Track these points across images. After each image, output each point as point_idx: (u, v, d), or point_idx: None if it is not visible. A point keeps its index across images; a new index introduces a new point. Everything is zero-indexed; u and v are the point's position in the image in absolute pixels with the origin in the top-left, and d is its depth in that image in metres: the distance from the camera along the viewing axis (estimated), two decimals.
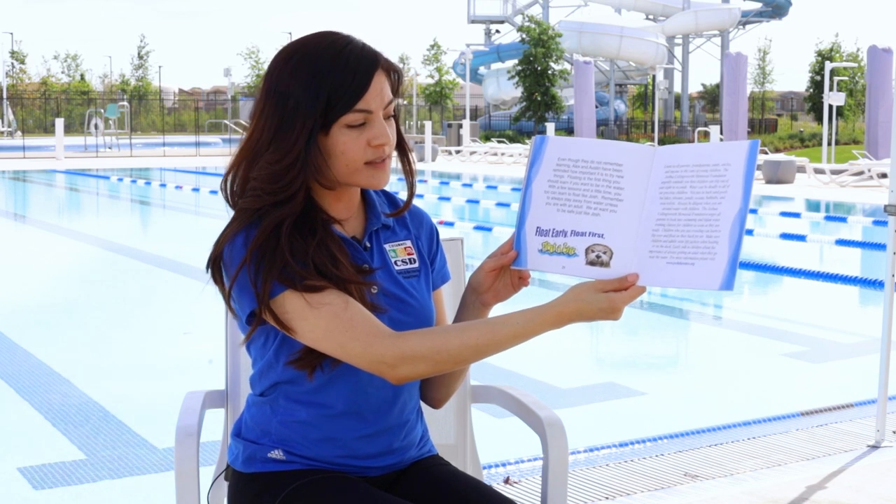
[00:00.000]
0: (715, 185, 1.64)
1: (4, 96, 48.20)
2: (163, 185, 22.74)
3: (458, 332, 1.74)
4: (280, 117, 1.76)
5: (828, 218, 15.66)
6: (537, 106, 45.17)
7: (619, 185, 1.70)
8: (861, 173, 21.62)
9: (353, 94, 1.75)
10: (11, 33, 71.07)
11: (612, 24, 51.36)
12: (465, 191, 20.84)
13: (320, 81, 1.74)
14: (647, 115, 59.14)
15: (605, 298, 1.67)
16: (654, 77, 47.44)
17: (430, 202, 17.25)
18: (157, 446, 4.61)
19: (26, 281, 9.54)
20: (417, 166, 1.94)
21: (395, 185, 1.99)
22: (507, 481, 3.86)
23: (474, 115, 51.52)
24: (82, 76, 60.81)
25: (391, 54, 1.82)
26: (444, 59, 58.70)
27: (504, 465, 4.06)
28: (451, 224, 13.32)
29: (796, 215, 15.12)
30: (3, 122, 43.84)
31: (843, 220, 15.03)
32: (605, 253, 1.69)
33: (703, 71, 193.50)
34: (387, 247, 1.91)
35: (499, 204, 16.74)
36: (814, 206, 17.48)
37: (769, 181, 21.99)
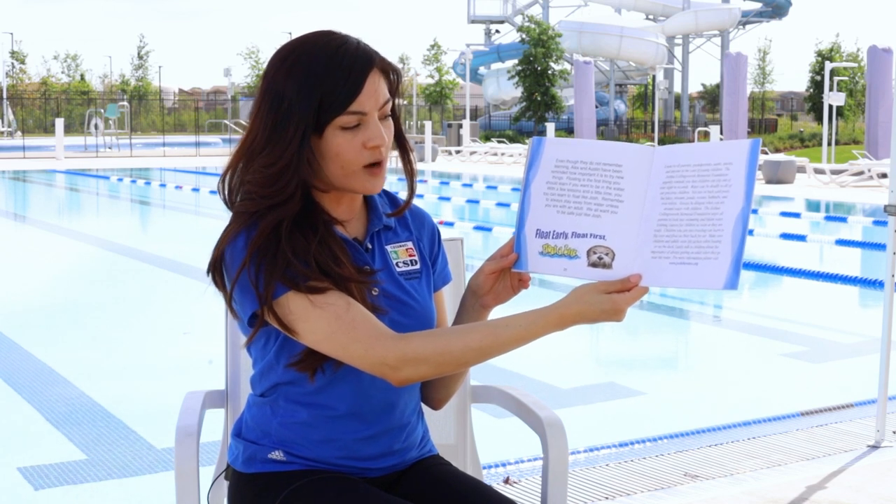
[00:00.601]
0: (717, 185, 1.64)
1: (4, 96, 48.20)
2: (163, 185, 22.74)
3: (461, 334, 1.73)
4: (275, 118, 1.75)
5: (828, 218, 15.66)
6: (537, 106, 45.17)
7: (619, 185, 1.69)
8: (861, 173, 21.62)
9: (346, 96, 1.74)
10: (11, 33, 71.20)
11: (612, 24, 51.36)
12: (465, 191, 20.84)
13: (314, 83, 1.73)
14: (647, 115, 59.14)
15: (608, 300, 1.67)
16: (654, 77, 47.47)
17: (430, 202, 17.24)
18: (157, 446, 4.61)
19: (26, 281, 9.54)
20: (417, 166, 1.93)
21: (395, 185, 1.98)
22: (507, 481, 3.86)
23: (474, 115, 51.52)
24: (82, 76, 60.81)
25: (391, 54, 1.82)
26: (444, 59, 58.78)
27: (504, 465, 4.06)
28: (451, 224, 13.32)
29: (796, 215, 15.12)
30: (3, 122, 43.84)
31: (843, 220, 15.03)
32: (606, 254, 1.69)
33: (703, 71, 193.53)
34: (388, 248, 1.91)
35: (499, 204, 16.74)
36: (814, 206, 17.48)
37: (769, 181, 21.99)
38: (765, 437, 4.46)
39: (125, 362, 6.32)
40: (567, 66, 47.48)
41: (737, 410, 5.11)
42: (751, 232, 12.40)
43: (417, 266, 1.93)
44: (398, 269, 1.90)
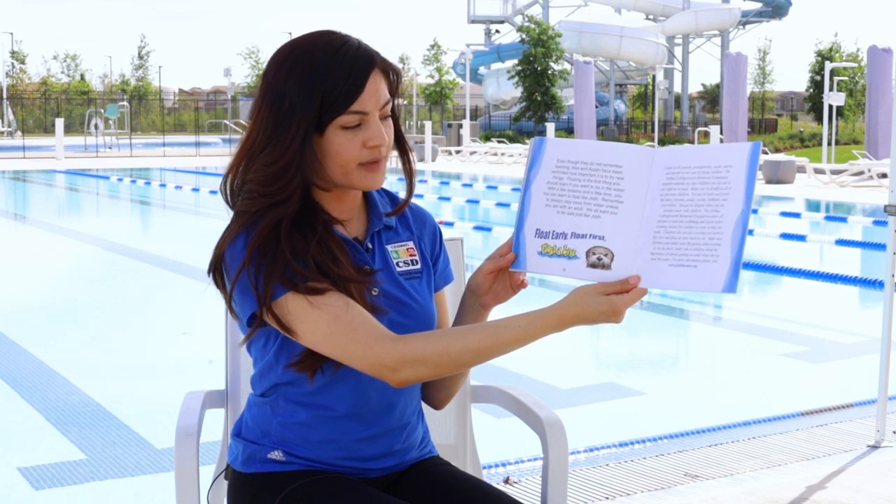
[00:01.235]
0: (717, 187, 1.64)
1: (4, 96, 48.20)
2: (163, 185, 22.74)
3: (460, 335, 1.73)
4: (276, 118, 1.76)
5: (828, 218, 15.66)
6: (537, 106, 45.17)
7: (620, 186, 1.69)
8: (861, 173, 21.62)
9: (347, 96, 1.74)
10: (11, 33, 71.17)
11: (612, 24, 51.36)
12: (465, 191, 20.84)
13: (315, 82, 1.74)
14: (647, 115, 59.14)
15: (607, 301, 1.66)
16: (654, 77, 47.49)
17: (430, 202, 17.24)
18: (157, 446, 4.61)
19: (26, 281, 9.54)
20: (417, 166, 1.93)
21: (396, 185, 1.98)
22: (507, 481, 3.86)
23: (474, 115, 51.52)
24: (82, 76, 60.81)
25: (391, 54, 1.82)
26: (444, 59, 58.77)
27: (504, 465, 4.06)
28: (451, 224, 13.32)
29: (796, 215, 15.12)
30: (3, 122, 43.84)
31: (843, 220, 15.03)
32: (605, 255, 1.69)
33: (703, 71, 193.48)
34: (389, 247, 1.91)
35: (499, 204, 16.74)
36: (814, 206, 17.48)
37: (769, 181, 21.99)
38: (765, 437, 4.46)
39: (125, 362, 6.32)
40: (567, 66, 47.48)
41: (737, 410, 5.11)
42: (751, 232, 12.40)
43: (418, 266, 1.93)
44: (398, 269, 1.89)
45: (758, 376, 6.13)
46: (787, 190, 20.53)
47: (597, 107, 45.09)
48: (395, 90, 1.83)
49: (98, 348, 6.75)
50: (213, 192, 19.07)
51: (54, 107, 50.80)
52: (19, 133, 42.01)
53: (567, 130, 44.11)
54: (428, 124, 31.02)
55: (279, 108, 1.75)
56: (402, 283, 1.88)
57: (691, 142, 38.43)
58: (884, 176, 20.81)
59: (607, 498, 3.69)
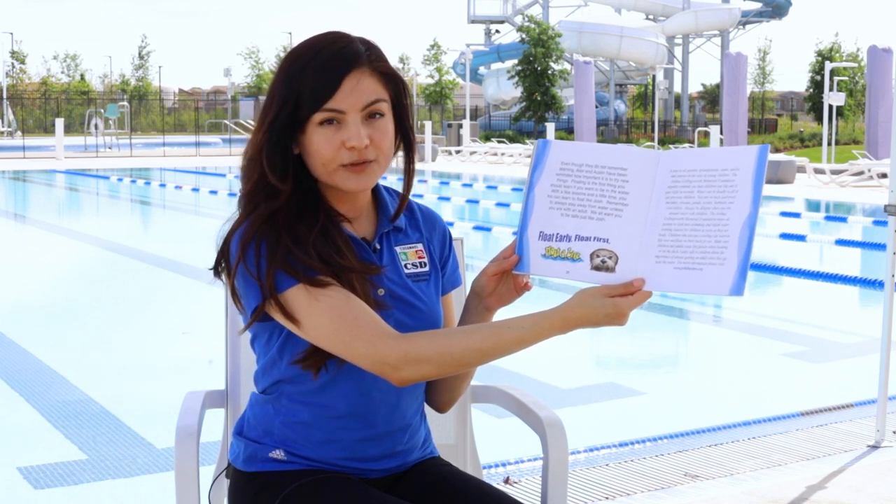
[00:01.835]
0: (723, 191, 1.63)
1: (4, 96, 48.19)
2: (163, 185, 22.74)
3: (463, 335, 1.73)
4: (261, 113, 1.81)
5: (828, 218, 15.66)
6: (537, 106, 45.17)
7: (624, 189, 1.69)
8: (861, 173, 21.62)
9: (321, 93, 1.76)
10: (11, 33, 71.22)
11: (612, 24, 51.36)
12: (465, 191, 20.84)
13: (294, 78, 1.77)
14: (647, 115, 59.14)
15: (612, 304, 1.66)
16: (654, 77, 47.48)
17: (430, 202, 17.24)
18: (157, 446, 4.61)
19: (26, 281, 9.54)
20: (417, 166, 1.93)
21: (396, 185, 1.98)
22: (507, 481, 3.86)
23: (474, 115, 51.52)
24: (82, 76, 60.81)
25: (391, 54, 1.82)
26: (444, 59, 58.78)
27: (504, 465, 4.06)
28: (451, 224, 13.31)
29: (796, 215, 15.12)
30: (3, 122, 43.83)
31: (843, 220, 15.03)
32: (610, 258, 1.69)
33: (703, 71, 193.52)
34: (398, 249, 1.91)
35: (499, 204, 16.73)
36: (814, 206, 17.48)
37: (769, 181, 21.96)
38: (765, 437, 4.46)
39: (125, 362, 6.32)
40: (567, 66, 47.48)
41: (737, 410, 5.11)
42: None
43: (426, 269, 1.93)
44: (406, 271, 1.89)
45: (758, 376, 6.13)
46: (787, 190, 20.52)
47: (597, 107, 45.09)
48: (398, 91, 1.83)
49: (98, 348, 6.75)
50: (212, 192, 19.07)
51: (54, 107, 50.80)
52: (19, 133, 42.00)
53: (567, 130, 44.11)
54: (428, 124, 31.02)
55: (268, 103, 1.80)
56: (409, 284, 1.88)
57: (691, 142, 38.43)
58: (884, 176, 20.81)
59: (607, 498, 3.69)
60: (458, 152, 33.95)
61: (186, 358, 6.34)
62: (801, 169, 23.56)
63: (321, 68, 1.76)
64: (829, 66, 29.32)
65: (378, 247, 1.88)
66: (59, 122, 31.54)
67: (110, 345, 6.87)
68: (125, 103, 43.90)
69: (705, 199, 1.64)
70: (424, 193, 18.67)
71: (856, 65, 42.47)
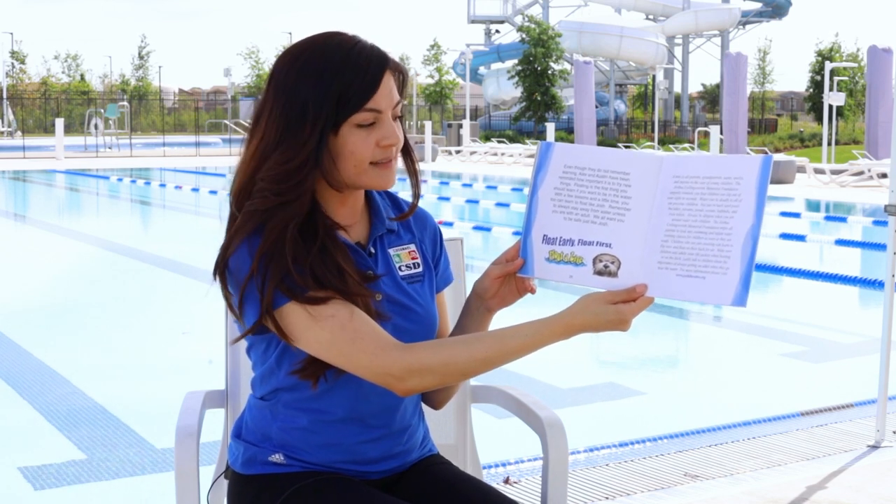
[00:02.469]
0: (727, 199, 1.63)
1: (4, 96, 48.18)
2: (163, 185, 22.73)
3: (466, 344, 1.73)
4: (287, 118, 1.74)
5: (828, 218, 15.66)
6: (537, 106, 45.17)
7: (627, 194, 1.69)
8: (861, 173, 21.62)
9: (363, 93, 1.74)
10: (11, 33, 71.23)
11: (612, 24, 51.36)
12: (464, 191, 20.84)
13: (330, 80, 1.73)
14: (647, 115, 59.14)
15: (614, 310, 1.66)
16: (654, 77, 47.50)
17: (430, 202, 17.24)
18: (157, 446, 4.60)
19: (26, 281, 9.54)
20: (418, 167, 1.93)
21: (397, 186, 1.98)
22: (507, 481, 3.86)
23: (474, 115, 51.51)
24: (82, 76, 60.81)
25: (391, 54, 1.82)
26: (444, 59, 58.78)
27: (504, 465, 4.06)
28: (450, 224, 13.33)
29: (796, 215, 15.11)
30: (3, 122, 43.83)
31: (843, 220, 15.03)
32: (612, 263, 1.68)
33: (703, 71, 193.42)
34: (391, 251, 1.90)
35: (499, 204, 16.73)
36: (814, 206, 17.48)
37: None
38: (765, 437, 4.46)
39: (125, 362, 6.32)
40: (567, 66, 47.48)
41: (737, 410, 5.11)
42: None
43: (420, 269, 1.92)
44: (401, 273, 1.89)
45: (758, 376, 6.13)
46: (787, 190, 20.52)
47: (597, 107, 45.08)
48: (401, 91, 1.83)
49: (98, 348, 6.75)
50: (212, 193, 19.07)
51: (54, 107, 50.80)
52: (19, 133, 42.00)
53: (567, 130, 44.11)
54: (428, 124, 31.02)
55: (291, 107, 1.74)
56: (404, 287, 1.88)
57: (691, 141, 38.40)
58: (884, 176, 20.81)
59: (607, 498, 3.69)
60: (458, 152, 33.95)
61: (186, 358, 6.33)
62: (801, 169, 23.56)
63: (363, 68, 1.74)
64: (829, 66, 29.33)
65: (373, 251, 1.88)
66: (59, 122, 31.53)
67: (110, 345, 6.87)
68: (125, 103, 43.89)
69: (708, 207, 1.64)
70: (424, 193, 18.59)
71: (856, 65, 42.48)
